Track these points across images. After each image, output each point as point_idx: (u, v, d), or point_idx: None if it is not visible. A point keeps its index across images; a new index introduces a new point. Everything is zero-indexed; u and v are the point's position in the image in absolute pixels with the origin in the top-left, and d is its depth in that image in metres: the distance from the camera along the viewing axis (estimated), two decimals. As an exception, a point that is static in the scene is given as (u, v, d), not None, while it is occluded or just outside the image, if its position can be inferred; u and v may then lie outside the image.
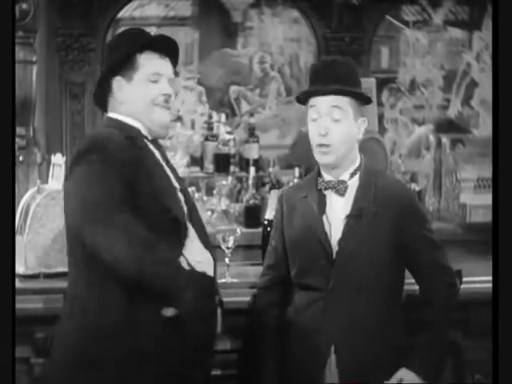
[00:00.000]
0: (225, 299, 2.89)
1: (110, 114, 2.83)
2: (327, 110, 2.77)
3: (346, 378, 2.73)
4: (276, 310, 2.89)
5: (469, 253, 4.19)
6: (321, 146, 2.78)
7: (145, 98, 2.80)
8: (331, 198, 2.81)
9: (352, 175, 2.81)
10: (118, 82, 2.79)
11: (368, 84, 6.08)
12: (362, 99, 2.81)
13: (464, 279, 3.09)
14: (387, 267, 2.76)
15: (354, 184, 2.81)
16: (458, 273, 2.87)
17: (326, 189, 2.81)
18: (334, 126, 2.77)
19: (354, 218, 2.75)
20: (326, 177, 2.82)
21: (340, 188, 2.79)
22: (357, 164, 2.84)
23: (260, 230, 3.89)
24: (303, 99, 2.85)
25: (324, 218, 2.79)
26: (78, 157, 2.63)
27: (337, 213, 2.79)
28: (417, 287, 2.89)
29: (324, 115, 2.78)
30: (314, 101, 2.81)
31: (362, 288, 2.72)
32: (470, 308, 3.05)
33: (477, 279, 3.10)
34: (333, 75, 2.75)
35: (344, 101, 2.77)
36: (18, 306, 2.51)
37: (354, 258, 2.73)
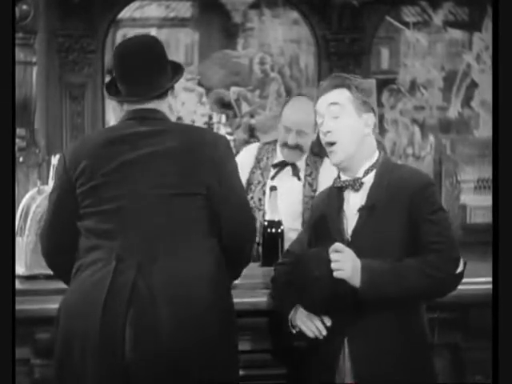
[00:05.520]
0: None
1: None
2: (326, 109, 2.79)
3: (359, 367, 2.72)
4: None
5: (469, 254, 4.19)
6: (327, 145, 2.80)
7: None
8: (349, 194, 2.83)
9: (367, 172, 2.82)
10: None
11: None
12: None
13: (464, 280, 3.09)
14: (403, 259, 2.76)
15: (369, 180, 2.82)
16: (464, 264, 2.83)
17: (342, 187, 2.83)
18: (335, 123, 2.78)
19: (367, 211, 2.76)
20: (343, 176, 2.84)
21: (355, 185, 2.81)
22: (373, 160, 2.84)
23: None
24: None
25: (343, 215, 2.82)
26: None
27: (353, 208, 2.81)
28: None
29: (325, 116, 2.80)
30: (317, 107, 2.84)
31: None
32: (470, 309, 3.05)
33: (477, 280, 3.09)
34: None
35: (342, 97, 2.80)
36: (18, 307, 2.50)
37: (366, 250, 2.73)
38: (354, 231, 2.76)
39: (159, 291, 2.48)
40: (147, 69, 2.67)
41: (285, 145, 3.94)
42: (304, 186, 3.99)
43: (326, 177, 4.09)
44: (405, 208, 2.74)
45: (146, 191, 2.57)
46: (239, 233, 2.74)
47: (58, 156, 3.43)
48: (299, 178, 3.99)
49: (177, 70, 2.76)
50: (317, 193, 4.03)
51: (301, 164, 4.00)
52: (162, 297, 2.48)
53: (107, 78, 6.12)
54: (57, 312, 2.59)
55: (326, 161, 4.19)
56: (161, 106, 2.71)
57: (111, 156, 2.60)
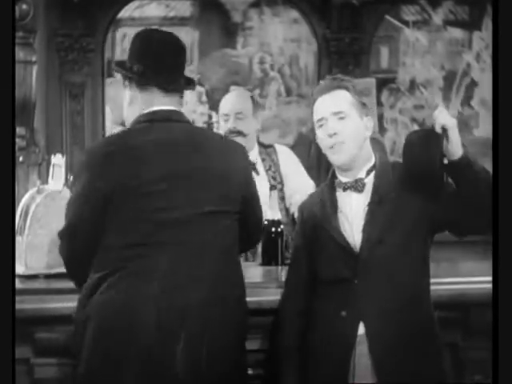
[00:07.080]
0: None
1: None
2: (329, 110, 2.80)
3: (379, 366, 2.71)
4: (302, 318, 2.88)
5: (469, 253, 4.19)
6: (331, 146, 2.80)
7: None
8: (351, 196, 2.83)
9: (368, 173, 2.83)
10: None
11: (368, 84, 6.08)
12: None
13: (464, 279, 3.10)
14: (416, 249, 2.76)
15: (371, 180, 2.83)
16: None
17: (344, 189, 2.83)
18: (341, 124, 2.79)
19: (376, 204, 2.77)
20: (343, 179, 2.83)
21: (358, 185, 2.81)
22: (372, 162, 2.85)
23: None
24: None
25: (340, 215, 2.81)
26: None
27: (356, 208, 2.81)
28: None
29: (329, 117, 2.80)
30: (316, 107, 2.84)
31: (391, 272, 2.72)
32: (470, 308, 3.05)
33: (477, 279, 3.10)
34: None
35: (344, 99, 2.80)
36: (17, 306, 2.50)
37: (380, 243, 2.73)
38: (366, 225, 2.76)
39: (199, 312, 2.52)
40: (180, 64, 2.71)
41: (226, 134, 3.95)
42: (269, 181, 3.99)
43: (289, 165, 4.08)
44: (416, 194, 2.75)
45: (187, 207, 2.56)
46: (256, 240, 2.99)
47: (58, 155, 3.43)
48: (258, 173, 3.99)
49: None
50: (285, 185, 4.02)
51: (254, 157, 4.00)
52: (201, 317, 2.52)
53: (107, 79, 6.11)
54: (83, 318, 2.58)
55: (279, 148, 4.18)
56: (180, 105, 2.71)
57: (151, 167, 2.56)
